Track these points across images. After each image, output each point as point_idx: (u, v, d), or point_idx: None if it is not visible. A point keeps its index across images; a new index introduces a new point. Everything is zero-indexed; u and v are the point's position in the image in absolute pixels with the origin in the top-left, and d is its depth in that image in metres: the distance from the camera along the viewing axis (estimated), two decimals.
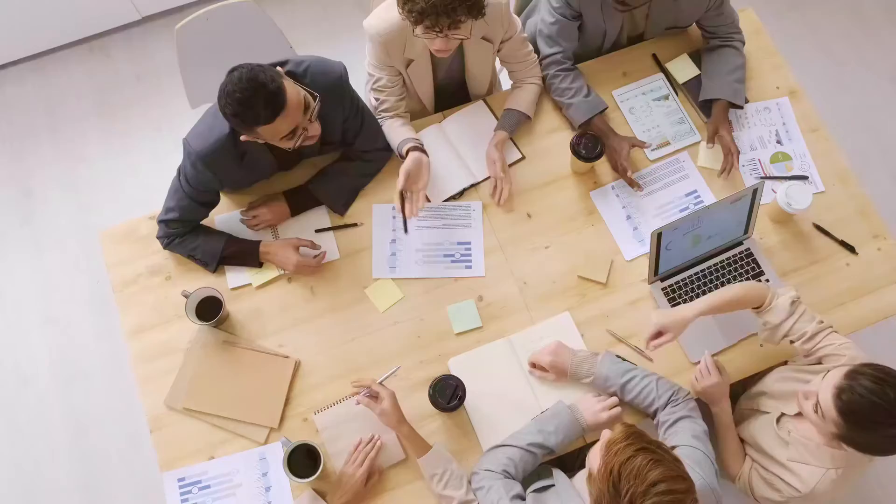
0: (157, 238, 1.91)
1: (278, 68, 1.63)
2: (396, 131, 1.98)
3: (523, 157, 2.06)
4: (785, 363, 1.82)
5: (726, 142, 1.98)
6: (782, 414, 1.64)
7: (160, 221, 1.88)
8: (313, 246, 1.91)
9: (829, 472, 1.52)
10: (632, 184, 1.98)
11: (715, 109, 2.03)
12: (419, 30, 1.70)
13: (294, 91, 1.59)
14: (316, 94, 1.66)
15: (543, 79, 2.08)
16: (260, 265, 1.93)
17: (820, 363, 1.64)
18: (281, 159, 1.89)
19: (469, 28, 1.72)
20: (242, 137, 1.67)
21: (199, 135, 1.73)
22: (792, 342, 1.67)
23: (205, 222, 1.95)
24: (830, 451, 1.52)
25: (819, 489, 1.52)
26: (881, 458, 1.47)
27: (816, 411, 1.45)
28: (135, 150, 2.99)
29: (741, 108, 2.05)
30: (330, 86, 1.74)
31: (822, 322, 1.65)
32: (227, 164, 1.76)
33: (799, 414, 1.62)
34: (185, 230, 1.89)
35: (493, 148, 1.99)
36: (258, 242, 1.91)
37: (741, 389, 1.87)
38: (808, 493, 1.53)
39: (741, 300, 1.68)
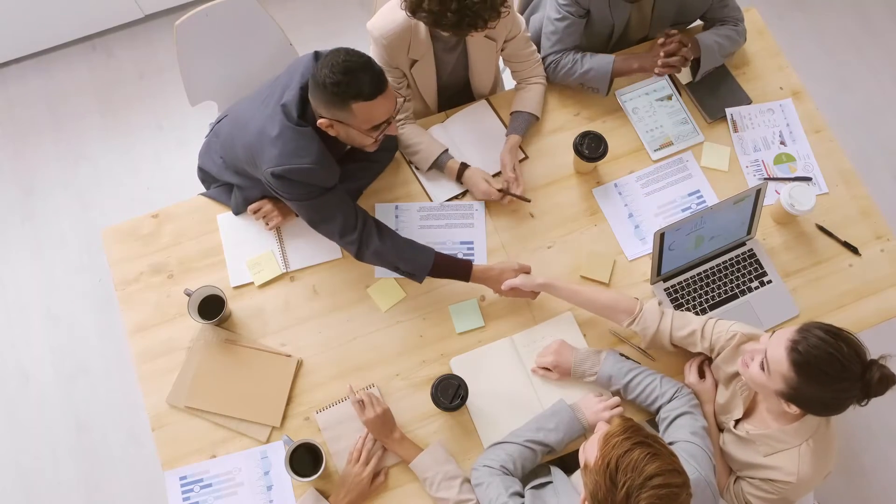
0: (360, 259, 1.80)
1: None
2: (425, 141, 2.00)
3: (526, 157, 2.07)
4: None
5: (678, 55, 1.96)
6: (735, 421, 1.64)
7: (344, 244, 1.78)
8: (524, 268, 1.85)
9: (802, 448, 1.52)
10: (673, 65, 1.95)
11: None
12: (459, 33, 1.71)
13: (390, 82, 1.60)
14: (403, 95, 1.65)
15: (547, 74, 2.08)
16: (468, 281, 1.83)
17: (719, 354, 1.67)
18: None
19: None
20: (320, 121, 1.61)
21: (294, 153, 1.63)
22: (675, 340, 1.71)
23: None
24: (791, 428, 1.52)
25: (805, 469, 1.51)
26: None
27: (763, 369, 1.45)
28: (137, 148, 2.99)
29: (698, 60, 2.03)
30: None
31: (700, 317, 1.70)
32: (331, 164, 1.71)
33: (747, 413, 1.63)
34: (363, 217, 1.78)
35: (507, 153, 2.00)
36: (470, 263, 1.83)
37: None
38: (799, 479, 1.52)
39: (604, 301, 1.75)
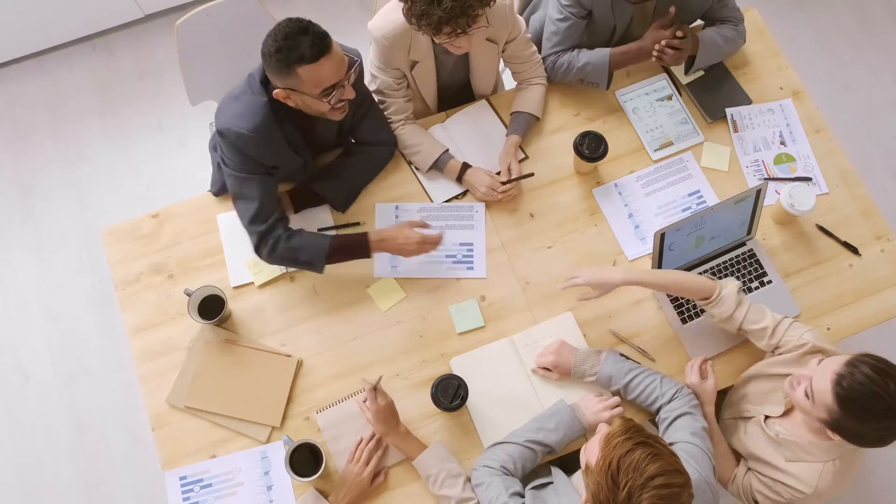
0: (257, 251, 1.78)
1: None
2: (426, 141, 2.00)
3: (526, 157, 2.07)
4: None
5: (676, 48, 1.95)
6: (766, 416, 1.64)
7: (249, 226, 1.77)
8: (424, 225, 1.86)
9: (827, 465, 1.52)
10: (675, 51, 1.93)
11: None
12: (440, 37, 1.71)
13: (337, 45, 1.60)
14: (357, 57, 1.65)
15: (547, 75, 2.08)
16: (369, 256, 1.83)
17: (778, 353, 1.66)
18: (308, 142, 1.86)
19: (485, 17, 1.72)
20: (276, 91, 1.63)
21: (241, 116, 1.67)
22: (742, 330, 1.69)
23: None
24: (823, 445, 1.51)
25: (822, 485, 1.52)
26: (882, 461, 1.47)
27: (807, 396, 1.44)
28: (137, 147, 2.99)
29: (694, 56, 2.03)
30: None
31: (776, 315, 1.67)
32: (275, 140, 1.72)
33: (784, 414, 1.62)
34: (276, 217, 1.78)
35: (505, 154, 2.00)
36: (366, 234, 1.81)
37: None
38: (815, 493, 1.52)
39: (686, 287, 1.70)
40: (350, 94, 1.68)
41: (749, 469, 1.66)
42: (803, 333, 1.62)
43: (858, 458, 1.56)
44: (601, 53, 2.01)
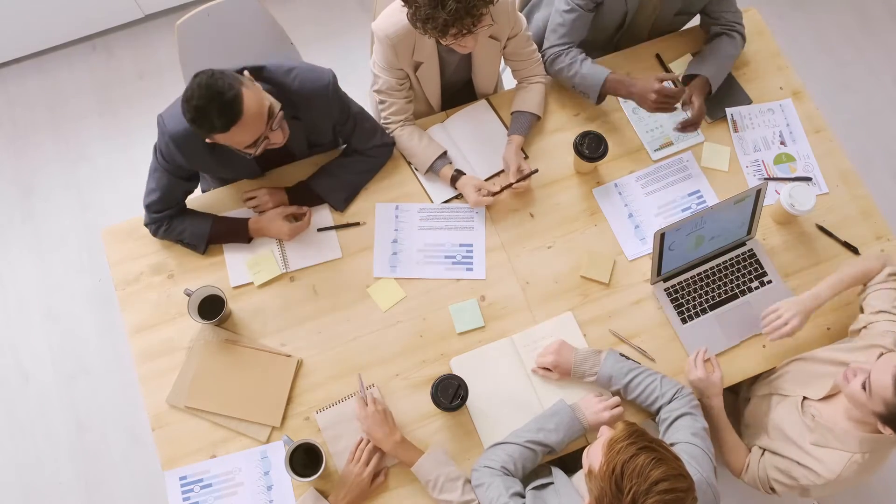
0: (145, 225, 1.91)
1: (245, 73, 1.61)
2: (422, 144, 2.00)
3: (526, 157, 2.06)
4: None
5: (696, 107, 1.95)
6: (804, 398, 1.64)
7: (146, 207, 1.88)
8: (299, 211, 1.94)
9: (855, 457, 1.52)
10: (674, 101, 1.92)
11: (694, 81, 2.01)
12: (447, 39, 1.71)
13: (255, 100, 1.56)
14: (279, 102, 1.65)
15: (544, 65, 2.08)
16: (250, 240, 1.94)
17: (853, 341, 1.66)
18: (263, 159, 1.88)
19: (490, 15, 1.72)
20: (207, 140, 1.64)
21: (174, 116, 1.73)
22: (863, 304, 1.72)
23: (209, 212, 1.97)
24: (859, 436, 1.52)
25: (845, 475, 1.52)
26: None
27: (864, 389, 1.45)
28: (137, 147, 2.99)
29: (711, 93, 2.03)
30: (318, 92, 1.76)
31: None
32: (199, 151, 1.76)
33: (825, 398, 1.61)
34: (171, 212, 1.89)
35: (511, 155, 1.99)
36: (246, 220, 1.93)
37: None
38: (836, 481, 1.52)
39: (862, 278, 1.73)
40: (277, 138, 1.67)
41: (765, 451, 1.66)
42: (892, 328, 1.62)
43: (885, 457, 1.56)
44: (600, 73, 1.99)
